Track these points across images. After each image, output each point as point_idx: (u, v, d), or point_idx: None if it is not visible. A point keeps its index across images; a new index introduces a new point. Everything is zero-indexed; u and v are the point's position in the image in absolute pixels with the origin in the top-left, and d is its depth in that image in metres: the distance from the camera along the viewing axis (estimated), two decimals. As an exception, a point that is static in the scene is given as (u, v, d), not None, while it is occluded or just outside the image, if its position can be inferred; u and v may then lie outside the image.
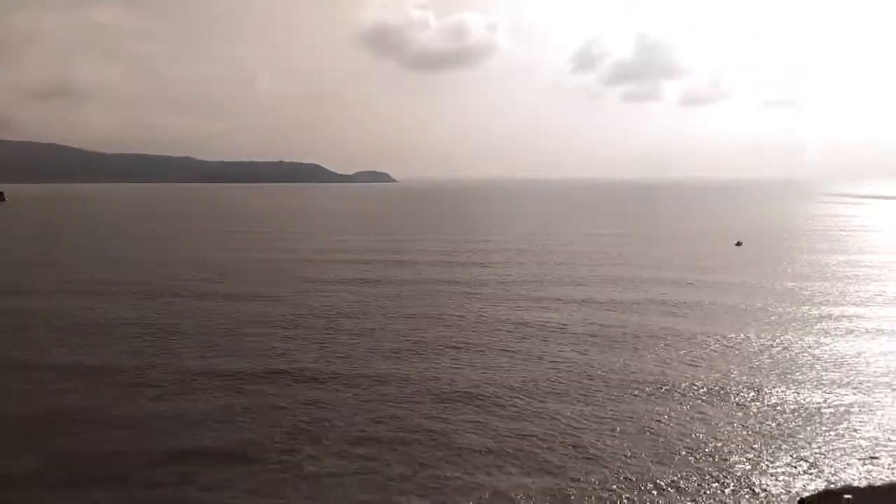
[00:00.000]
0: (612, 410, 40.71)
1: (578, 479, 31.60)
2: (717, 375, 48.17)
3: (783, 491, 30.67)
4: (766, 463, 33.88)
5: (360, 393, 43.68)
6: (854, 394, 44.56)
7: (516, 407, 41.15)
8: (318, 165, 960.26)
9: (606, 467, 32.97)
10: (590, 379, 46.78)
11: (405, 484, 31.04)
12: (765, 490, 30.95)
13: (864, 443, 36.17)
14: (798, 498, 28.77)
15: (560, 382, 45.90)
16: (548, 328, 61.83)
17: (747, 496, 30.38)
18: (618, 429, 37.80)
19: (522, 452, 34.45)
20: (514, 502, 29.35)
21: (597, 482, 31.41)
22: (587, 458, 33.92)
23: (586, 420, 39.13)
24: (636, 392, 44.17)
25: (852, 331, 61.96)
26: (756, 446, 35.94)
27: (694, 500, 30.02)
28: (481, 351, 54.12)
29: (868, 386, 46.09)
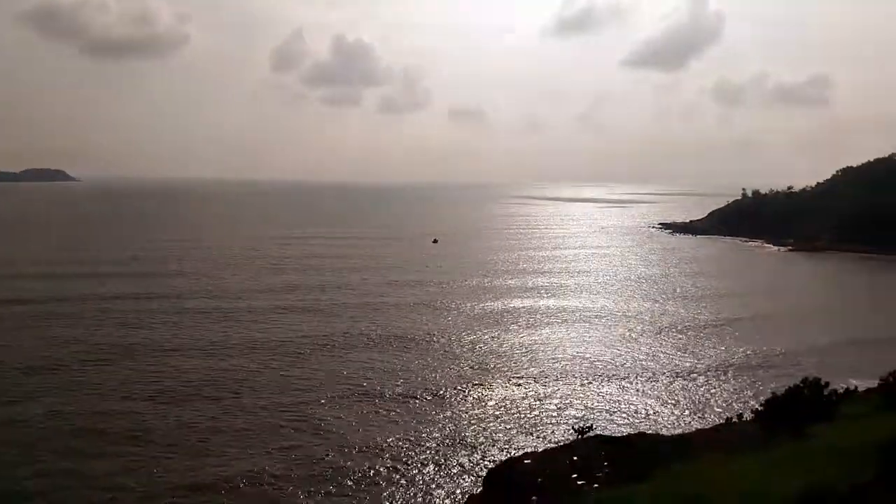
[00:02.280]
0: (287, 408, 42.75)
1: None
2: (409, 362, 53.21)
3: (472, 464, 35.43)
4: (456, 443, 38.62)
5: None
6: (525, 376, 52.42)
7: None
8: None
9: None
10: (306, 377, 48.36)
11: None
12: (458, 464, 35.38)
13: (535, 416, 43.10)
14: (486, 469, 33.17)
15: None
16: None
17: (441, 472, 34.50)
18: (292, 430, 39.95)
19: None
20: None
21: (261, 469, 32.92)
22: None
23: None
24: (345, 395, 46.71)
25: (530, 318, 72.75)
26: (447, 430, 40.67)
27: (401, 477, 33.28)
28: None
29: (537, 366, 54.68)
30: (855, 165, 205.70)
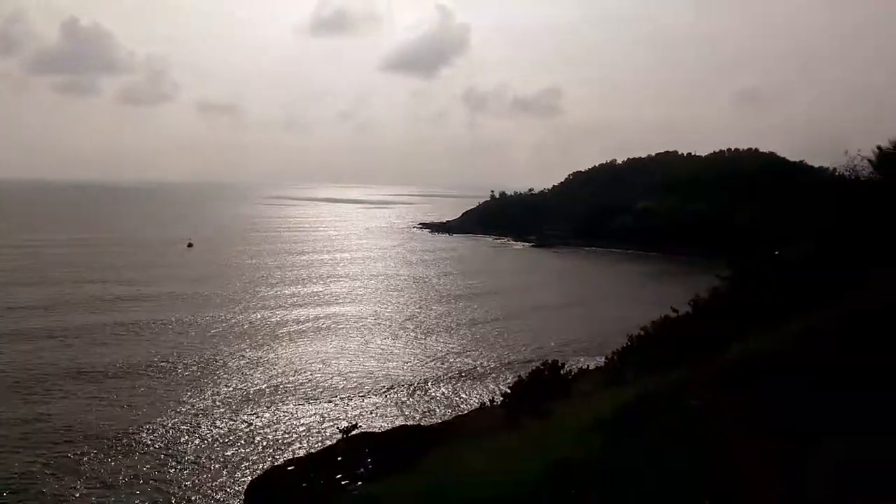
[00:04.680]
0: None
1: None
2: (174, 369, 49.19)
3: (232, 480, 33.71)
4: (217, 454, 36.48)
5: None
6: (290, 388, 51.21)
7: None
8: None
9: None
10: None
11: None
12: (217, 482, 33.40)
13: (302, 425, 42.26)
14: (249, 480, 31.73)
15: None
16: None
17: (204, 484, 32.35)
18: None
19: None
20: None
21: None
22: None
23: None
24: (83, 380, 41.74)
25: (294, 327, 70.92)
26: (207, 440, 38.26)
27: (166, 489, 30.53)
28: None
29: (303, 375, 53.66)
30: (584, 170, 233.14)
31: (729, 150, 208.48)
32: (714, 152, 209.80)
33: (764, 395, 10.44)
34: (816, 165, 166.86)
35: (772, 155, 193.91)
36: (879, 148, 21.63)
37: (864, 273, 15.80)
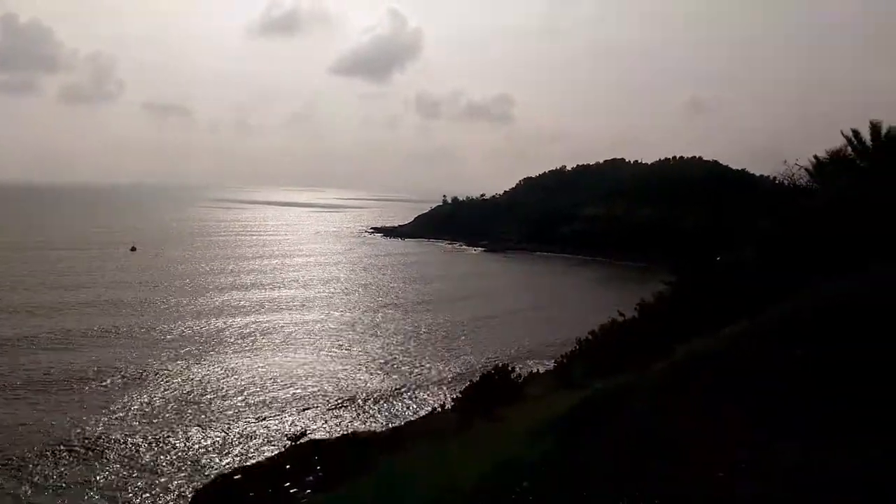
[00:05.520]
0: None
1: None
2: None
3: (178, 486, 32.72)
4: (160, 463, 35.45)
5: None
6: (239, 398, 50.20)
7: None
8: None
9: None
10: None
11: None
12: (161, 486, 32.46)
13: (250, 434, 41.41)
14: (193, 490, 30.90)
15: None
16: None
17: (147, 493, 31.39)
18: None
19: None
20: None
21: None
22: None
23: None
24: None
25: (245, 337, 69.57)
26: (148, 449, 37.15)
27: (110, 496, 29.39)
28: None
29: (255, 386, 52.66)
30: (534, 175, 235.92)
31: (675, 157, 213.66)
32: (660, 160, 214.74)
33: (711, 398, 10.64)
34: (758, 174, 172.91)
35: (715, 163, 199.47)
36: (816, 157, 22.51)
37: (804, 278, 16.32)
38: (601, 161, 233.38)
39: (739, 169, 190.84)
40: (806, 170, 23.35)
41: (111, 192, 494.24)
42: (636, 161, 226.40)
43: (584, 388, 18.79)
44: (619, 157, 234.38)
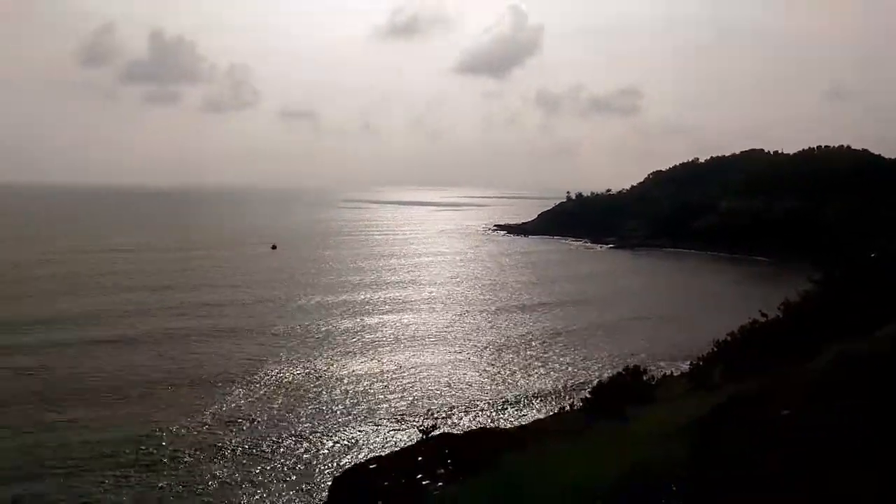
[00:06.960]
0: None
1: None
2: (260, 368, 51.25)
3: (321, 472, 34.82)
4: (304, 452, 37.75)
5: None
6: (378, 389, 52.29)
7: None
8: None
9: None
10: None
11: None
12: (304, 472, 34.63)
13: (386, 425, 43.13)
14: (333, 476, 32.63)
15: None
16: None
17: (292, 478, 33.65)
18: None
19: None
20: None
21: None
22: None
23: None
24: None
25: (379, 332, 72.41)
26: (294, 439, 39.65)
27: (249, 482, 31.85)
28: None
29: (388, 381, 54.68)
30: (664, 169, 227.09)
31: (819, 147, 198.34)
32: (803, 150, 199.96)
33: (859, 409, 10.04)
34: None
35: (865, 152, 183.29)
36: None
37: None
38: (737, 152, 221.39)
39: (894, 158, 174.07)
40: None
41: (250, 194, 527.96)
42: (776, 152, 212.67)
43: (723, 390, 18.13)
44: (756, 147, 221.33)
